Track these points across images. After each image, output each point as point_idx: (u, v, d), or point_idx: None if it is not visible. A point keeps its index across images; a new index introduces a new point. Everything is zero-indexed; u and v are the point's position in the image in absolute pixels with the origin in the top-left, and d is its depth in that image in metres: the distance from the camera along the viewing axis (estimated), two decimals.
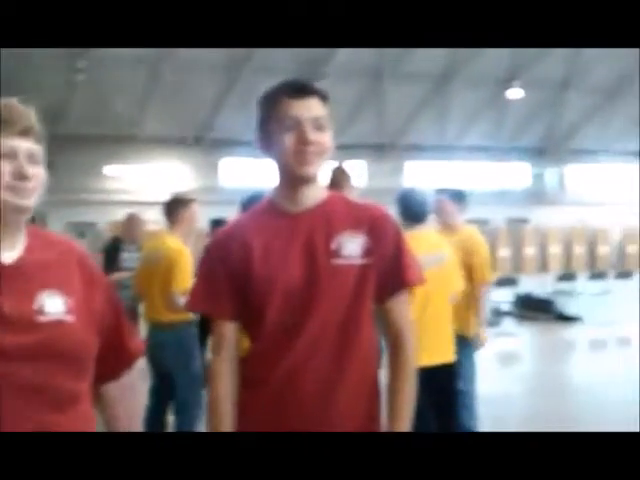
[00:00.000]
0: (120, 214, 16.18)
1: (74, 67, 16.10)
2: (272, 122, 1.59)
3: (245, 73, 17.70)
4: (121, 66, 16.12)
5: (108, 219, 16.67)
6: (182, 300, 3.84)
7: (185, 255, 4.08)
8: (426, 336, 3.29)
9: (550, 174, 23.77)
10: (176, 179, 18.99)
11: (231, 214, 3.55)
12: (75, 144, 17.15)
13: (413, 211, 3.56)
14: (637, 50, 19.47)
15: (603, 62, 19.66)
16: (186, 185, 17.86)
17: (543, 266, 21.54)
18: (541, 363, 8.65)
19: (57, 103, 16.52)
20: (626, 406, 5.78)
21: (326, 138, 1.59)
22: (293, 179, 1.61)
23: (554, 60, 19.55)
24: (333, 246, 1.59)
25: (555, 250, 22.55)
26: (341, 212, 1.64)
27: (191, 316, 4.11)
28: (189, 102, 17.93)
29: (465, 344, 3.87)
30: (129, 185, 18.88)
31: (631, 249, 23.40)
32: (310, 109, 1.57)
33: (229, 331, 1.63)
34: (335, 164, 3.64)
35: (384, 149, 21.35)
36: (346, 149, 17.98)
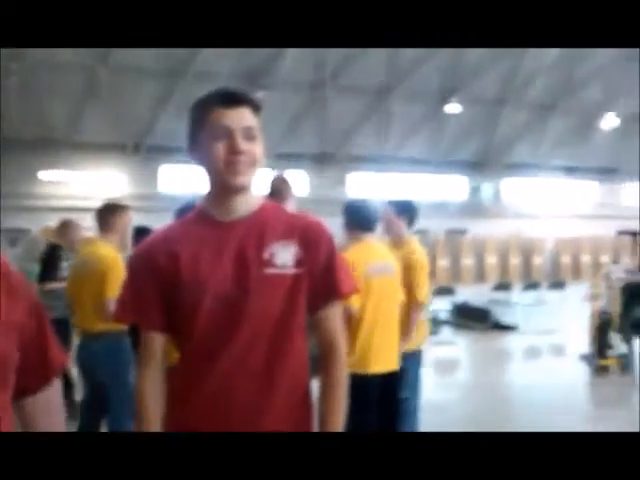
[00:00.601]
0: (55, 220, 15.76)
1: (7, 68, 15.57)
2: (203, 131, 1.57)
3: (185, 80, 17.53)
4: (58, 69, 15.68)
5: (42, 226, 16.15)
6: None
7: (118, 262, 3.97)
8: (376, 343, 3.38)
9: (486, 187, 24.45)
10: (114, 186, 18.61)
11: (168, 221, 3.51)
12: (9, 148, 16.57)
13: (363, 220, 3.55)
14: (567, 66, 20.38)
15: (538, 79, 20.44)
16: (124, 192, 17.54)
17: (480, 276, 22.07)
18: (478, 371, 8.83)
19: None
20: (556, 410, 5.98)
21: (257, 148, 1.58)
22: (224, 189, 1.59)
23: (491, 77, 20.21)
24: (265, 255, 1.58)
25: (491, 260, 23.16)
26: (274, 221, 1.63)
27: (124, 325, 3.97)
28: (128, 108, 17.62)
29: (411, 353, 3.88)
30: (65, 191, 18.33)
31: (564, 259, 24.29)
32: (241, 119, 1.56)
33: (157, 343, 1.61)
34: (276, 173, 3.64)
35: (325, 159, 21.51)
36: (287, 159, 18.03)
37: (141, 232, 5.87)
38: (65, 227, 5.93)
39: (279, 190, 3.45)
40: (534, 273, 22.70)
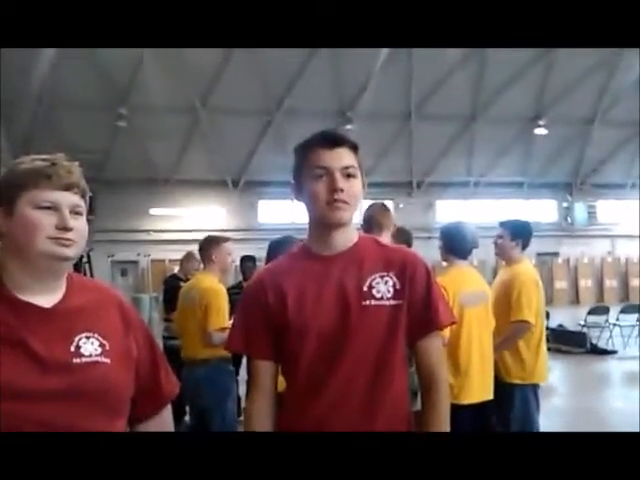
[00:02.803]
0: (165, 254, 16.69)
1: (116, 113, 16.89)
2: (304, 171, 1.66)
3: (278, 117, 18.39)
4: (161, 112, 16.88)
5: (153, 258, 17.23)
6: (217, 337, 3.98)
7: (219, 294, 4.16)
8: (470, 373, 3.33)
9: (578, 208, 23.90)
10: (217, 219, 19.63)
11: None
12: (119, 187, 17.86)
13: (458, 246, 3.51)
14: None
15: (627, 96, 19.99)
16: (226, 225, 18.50)
17: (574, 299, 21.54)
18: (576, 396, 8.72)
19: (101, 149, 17.34)
20: None
21: (356, 186, 1.66)
22: (325, 225, 1.67)
23: (579, 96, 19.94)
24: (364, 287, 1.65)
25: (586, 283, 22.55)
26: (372, 254, 1.70)
27: (226, 353, 4.12)
28: (227, 147, 18.62)
29: (519, 386, 3.76)
30: (172, 225, 19.48)
31: None
32: (340, 159, 1.64)
33: (265, 371, 1.69)
34: (374, 202, 3.58)
35: (413, 187, 21.81)
36: (377, 187, 18.48)
37: (246, 260, 6.14)
38: (187, 259, 6.30)
39: (378, 219, 3.39)
40: (631, 295, 21.94)
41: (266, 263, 3.83)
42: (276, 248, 3.78)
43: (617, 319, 11.75)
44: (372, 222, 3.36)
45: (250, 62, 15.73)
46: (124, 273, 18.20)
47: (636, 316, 11.93)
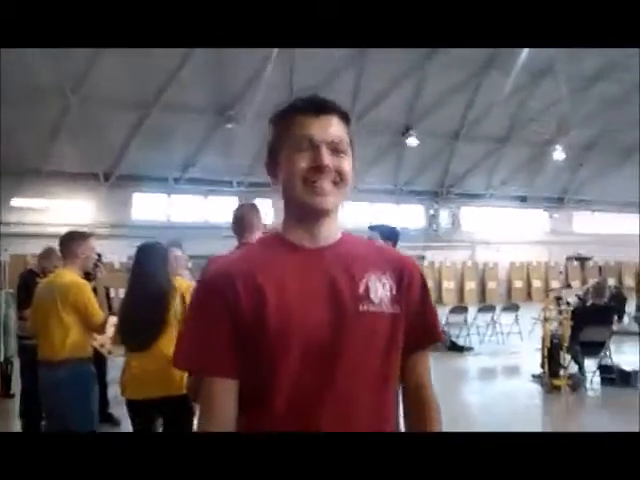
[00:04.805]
0: (24, 247, 15.69)
1: None
2: (281, 143, 1.35)
3: (155, 110, 17.93)
4: (31, 100, 15.90)
5: (13, 252, 16.14)
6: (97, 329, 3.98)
7: (85, 287, 4.02)
8: None
9: (443, 215, 25.41)
10: (86, 214, 18.75)
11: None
12: None
13: None
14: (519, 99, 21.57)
15: (492, 113, 21.53)
16: (95, 219, 17.71)
17: (438, 299, 22.87)
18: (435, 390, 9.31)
19: None
20: (511, 428, 6.57)
21: (346, 164, 1.35)
22: (304, 212, 1.35)
23: (447, 111, 21.20)
24: (360, 289, 1.35)
25: (449, 285, 24.03)
26: (363, 251, 1.42)
27: (88, 353, 4.06)
28: (99, 139, 17.87)
29: None
30: (36, 218, 18.37)
31: (517, 284, 25.38)
32: (328, 129, 1.33)
33: (226, 393, 1.31)
34: (242, 203, 3.60)
35: None
36: (257, 186, 18.52)
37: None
38: (47, 254, 5.98)
39: (250, 219, 3.37)
40: (488, 297, 23.65)
41: (131, 274, 3.78)
42: (147, 252, 3.77)
43: (475, 318, 12.67)
44: (243, 222, 3.38)
45: (127, 53, 15.19)
46: None
47: (490, 315, 12.94)
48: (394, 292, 1.39)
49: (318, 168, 1.31)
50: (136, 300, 3.70)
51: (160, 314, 3.60)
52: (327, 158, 1.31)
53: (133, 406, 3.74)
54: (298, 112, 1.34)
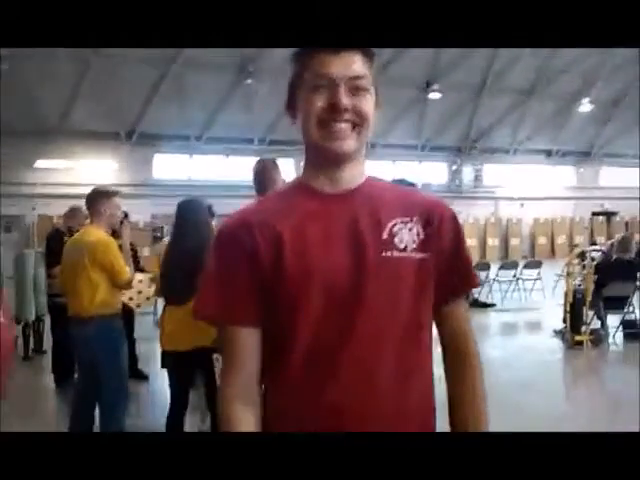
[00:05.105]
0: (52, 208, 15.90)
1: None
2: (300, 82, 1.28)
3: (175, 67, 17.84)
4: (50, 58, 15.89)
5: (40, 212, 16.41)
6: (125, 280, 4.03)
7: (111, 245, 4.04)
8: None
9: (466, 171, 25.13)
10: (108, 173, 18.90)
11: (168, 208, 3.66)
12: (4, 138, 16.80)
13: None
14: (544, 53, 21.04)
15: (516, 66, 21.02)
16: (118, 179, 17.86)
17: None
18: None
19: None
20: (532, 383, 6.62)
21: (367, 104, 1.27)
22: (323, 157, 1.30)
23: (470, 64, 20.75)
24: (384, 234, 1.29)
25: (471, 242, 23.93)
26: (389, 195, 1.35)
27: (116, 309, 4.12)
28: (120, 97, 17.87)
29: None
30: (60, 179, 18.57)
31: (541, 240, 25.17)
32: (348, 65, 1.25)
33: (250, 343, 1.29)
34: (261, 158, 3.61)
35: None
36: (277, 144, 18.43)
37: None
38: (73, 213, 6.21)
39: (271, 174, 3.42)
40: (510, 253, 23.54)
41: (174, 228, 3.84)
42: (187, 210, 3.81)
43: (497, 275, 12.65)
44: (265, 177, 3.42)
45: None
46: (8, 229, 17.22)
47: (513, 272, 12.91)
48: (422, 237, 1.32)
49: (335, 107, 1.24)
50: (178, 253, 3.74)
51: (200, 268, 3.62)
52: (345, 98, 1.25)
53: (170, 358, 3.84)
54: (317, 48, 1.27)
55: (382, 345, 1.26)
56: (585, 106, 22.92)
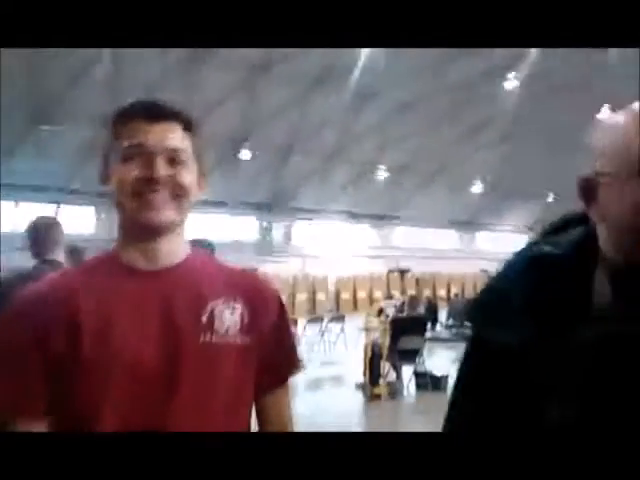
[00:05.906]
0: None
1: None
2: (114, 151, 1.20)
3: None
4: None
5: None
6: None
7: None
8: None
9: (276, 228, 25.91)
10: None
11: None
12: None
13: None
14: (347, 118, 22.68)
15: (324, 129, 22.40)
16: None
17: None
18: None
19: None
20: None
21: (185, 175, 1.20)
22: (137, 229, 1.20)
23: (281, 125, 21.71)
24: (203, 317, 1.20)
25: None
26: (211, 274, 1.27)
27: None
28: None
29: None
30: None
31: (344, 295, 26.52)
32: (163, 136, 1.18)
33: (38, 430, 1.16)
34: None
35: None
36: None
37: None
38: None
39: (53, 232, 3.10)
40: (317, 308, 24.45)
41: None
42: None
43: (304, 329, 13.04)
44: (48, 236, 3.09)
45: None
46: None
47: (318, 327, 13.41)
48: (246, 320, 1.23)
49: (150, 180, 1.16)
50: None
51: None
52: (163, 169, 1.17)
53: None
54: (132, 118, 1.20)
55: (199, 431, 1.16)
56: (381, 172, 24.98)
